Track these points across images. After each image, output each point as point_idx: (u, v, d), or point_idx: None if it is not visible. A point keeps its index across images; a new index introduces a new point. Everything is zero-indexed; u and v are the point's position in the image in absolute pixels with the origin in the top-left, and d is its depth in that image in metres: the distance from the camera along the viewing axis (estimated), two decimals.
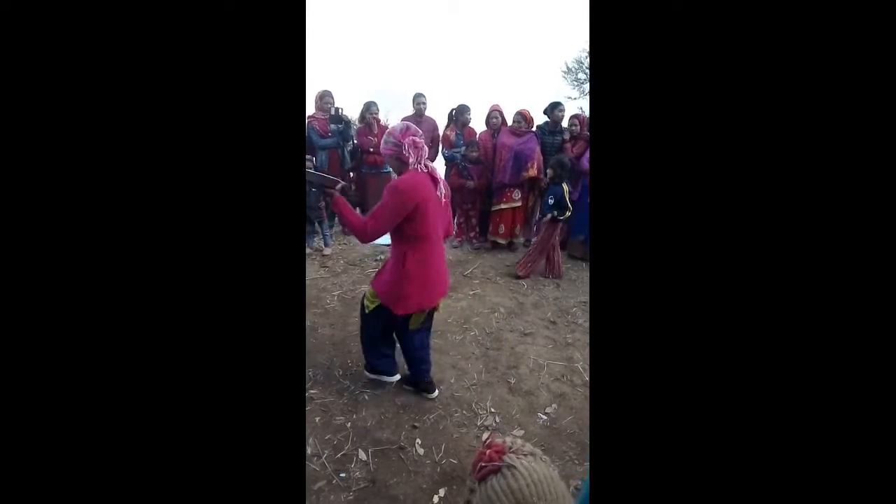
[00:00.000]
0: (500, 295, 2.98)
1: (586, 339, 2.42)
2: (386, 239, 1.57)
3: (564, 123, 3.69)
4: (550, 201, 3.13)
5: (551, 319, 2.69)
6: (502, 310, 2.75)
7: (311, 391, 1.88)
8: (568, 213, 3.20)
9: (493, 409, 1.85)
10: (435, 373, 1.99)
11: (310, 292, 2.79)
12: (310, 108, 3.51)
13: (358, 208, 3.55)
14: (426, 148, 1.56)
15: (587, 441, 1.67)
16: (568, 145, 3.62)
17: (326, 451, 1.57)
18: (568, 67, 15.73)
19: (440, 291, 1.69)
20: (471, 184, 3.59)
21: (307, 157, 3.22)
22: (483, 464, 0.59)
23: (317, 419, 1.72)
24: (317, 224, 3.51)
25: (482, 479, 0.58)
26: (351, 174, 3.76)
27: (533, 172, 3.48)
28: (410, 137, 1.49)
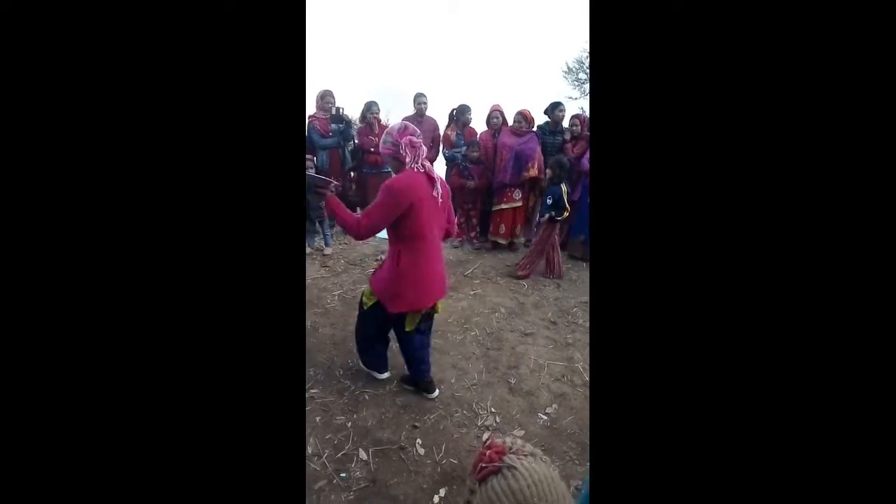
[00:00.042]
0: (501, 295, 2.98)
1: (587, 339, 2.42)
2: (384, 233, 1.59)
3: (565, 123, 3.69)
4: (549, 201, 3.14)
5: (552, 319, 2.69)
6: (503, 310, 2.75)
7: (312, 391, 1.88)
8: (566, 214, 3.20)
9: (493, 410, 1.85)
10: (435, 373, 1.99)
11: (310, 292, 2.79)
12: (310, 108, 3.51)
13: (358, 208, 3.55)
14: (424, 147, 1.56)
15: (587, 441, 1.67)
16: (569, 145, 3.62)
17: (327, 451, 1.57)
18: (568, 67, 15.70)
19: (436, 293, 1.67)
20: (471, 184, 3.58)
21: (308, 156, 3.22)
22: (483, 464, 0.59)
23: (317, 419, 1.73)
24: (317, 223, 3.50)
25: (482, 480, 0.58)
26: (352, 174, 3.76)
27: (533, 172, 3.47)
28: (407, 137, 1.50)
